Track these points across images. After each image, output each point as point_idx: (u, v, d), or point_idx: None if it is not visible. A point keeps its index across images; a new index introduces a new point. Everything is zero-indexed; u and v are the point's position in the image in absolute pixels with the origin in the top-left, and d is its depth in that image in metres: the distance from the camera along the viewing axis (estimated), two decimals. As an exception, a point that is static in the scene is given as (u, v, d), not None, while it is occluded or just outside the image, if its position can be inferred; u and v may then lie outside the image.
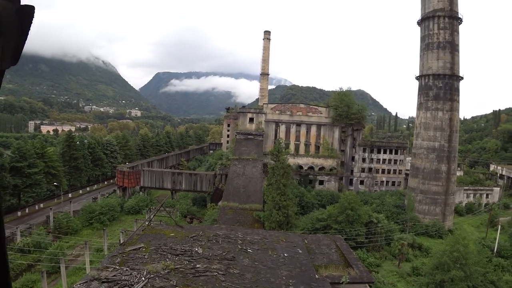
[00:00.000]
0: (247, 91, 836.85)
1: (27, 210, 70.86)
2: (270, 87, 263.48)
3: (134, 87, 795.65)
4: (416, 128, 78.25)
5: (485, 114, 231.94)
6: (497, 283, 40.88)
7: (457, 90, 72.16)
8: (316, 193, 76.57)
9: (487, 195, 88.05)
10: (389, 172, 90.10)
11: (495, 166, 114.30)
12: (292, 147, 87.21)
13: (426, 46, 73.23)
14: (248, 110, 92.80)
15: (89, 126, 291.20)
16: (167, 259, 15.82)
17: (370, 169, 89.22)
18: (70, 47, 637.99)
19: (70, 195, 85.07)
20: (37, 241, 50.97)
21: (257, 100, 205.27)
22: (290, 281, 14.71)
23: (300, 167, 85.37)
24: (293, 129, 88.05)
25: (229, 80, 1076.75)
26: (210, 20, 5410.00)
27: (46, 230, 57.24)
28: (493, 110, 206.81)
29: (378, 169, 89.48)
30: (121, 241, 37.12)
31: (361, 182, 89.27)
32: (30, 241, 51.21)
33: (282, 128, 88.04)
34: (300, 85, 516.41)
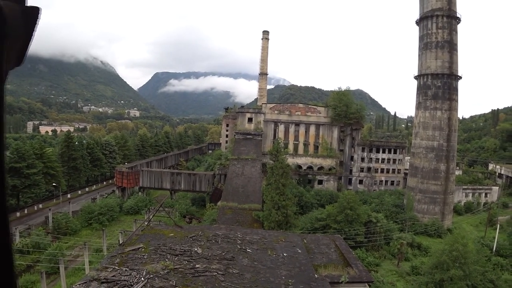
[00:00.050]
0: (246, 91, 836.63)
1: (26, 211, 70.69)
2: (269, 87, 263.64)
3: (132, 87, 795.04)
4: (415, 128, 78.33)
5: (484, 114, 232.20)
6: (496, 282, 40.92)
7: (455, 89, 72.27)
8: (315, 192, 76.59)
9: (485, 194, 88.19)
10: (388, 171, 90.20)
11: (494, 165, 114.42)
12: (291, 147, 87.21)
13: (425, 45, 73.32)
14: (247, 110, 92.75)
15: (87, 127, 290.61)
16: (167, 259, 15.82)
17: (369, 169, 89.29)
18: (69, 47, 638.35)
19: (69, 195, 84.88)
20: (36, 242, 50.90)
21: (256, 100, 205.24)
22: (290, 280, 14.72)
23: (299, 166, 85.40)
24: (292, 128, 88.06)
25: (228, 80, 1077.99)
26: (209, 20, 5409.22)
27: (45, 231, 57.19)
28: (492, 110, 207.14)
29: (377, 169, 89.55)
30: (120, 242, 37.12)
31: (360, 182, 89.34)
32: (29, 241, 51.14)
33: (281, 128, 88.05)
34: (298, 85, 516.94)
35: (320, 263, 19.14)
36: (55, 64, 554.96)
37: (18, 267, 46.20)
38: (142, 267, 14.77)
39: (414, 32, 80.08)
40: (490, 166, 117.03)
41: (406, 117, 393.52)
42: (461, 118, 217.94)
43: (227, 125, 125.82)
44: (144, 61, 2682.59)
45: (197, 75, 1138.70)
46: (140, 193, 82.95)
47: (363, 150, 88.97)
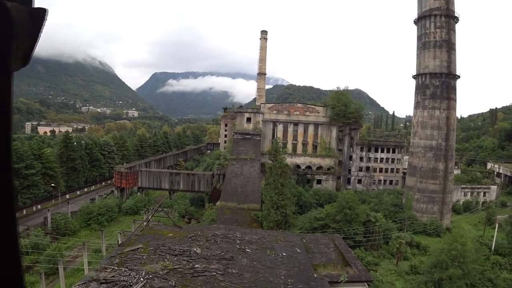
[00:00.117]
0: (244, 90, 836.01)
1: (24, 212, 70.51)
2: (267, 86, 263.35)
3: (131, 87, 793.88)
4: (413, 127, 78.43)
5: (482, 113, 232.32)
6: (494, 281, 40.99)
7: (454, 88, 72.37)
8: (314, 192, 76.68)
9: (484, 193, 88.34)
10: (386, 171, 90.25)
11: (492, 164, 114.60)
12: (289, 146, 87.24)
13: (423, 45, 73.43)
14: (246, 110, 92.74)
15: (86, 127, 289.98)
16: (166, 260, 15.82)
17: (367, 168, 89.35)
18: (67, 48, 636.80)
19: (67, 196, 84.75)
20: (35, 243, 50.78)
21: (255, 99, 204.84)
22: (289, 280, 14.73)
23: (298, 166, 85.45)
24: (290, 128, 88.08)
25: (226, 80, 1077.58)
26: (207, 20, 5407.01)
27: (44, 231, 57.07)
28: (490, 109, 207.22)
29: (376, 168, 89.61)
30: (119, 242, 37.11)
31: (359, 181, 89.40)
32: (28, 242, 50.98)
33: (280, 127, 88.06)
34: (297, 85, 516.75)
35: (319, 263, 19.16)
36: (53, 64, 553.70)
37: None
38: (141, 267, 14.77)
39: (413, 31, 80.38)
40: (489, 165, 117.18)
41: (404, 116, 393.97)
42: (459, 117, 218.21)
43: (226, 125, 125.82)
44: (143, 61, 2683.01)
45: (195, 75, 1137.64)
46: (139, 193, 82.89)
47: (361, 149, 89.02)
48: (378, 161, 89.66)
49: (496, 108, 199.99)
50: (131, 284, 13.08)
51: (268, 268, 15.98)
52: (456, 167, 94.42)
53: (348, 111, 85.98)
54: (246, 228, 29.30)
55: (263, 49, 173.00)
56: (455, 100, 72.80)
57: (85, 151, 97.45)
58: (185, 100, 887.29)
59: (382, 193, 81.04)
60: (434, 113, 71.81)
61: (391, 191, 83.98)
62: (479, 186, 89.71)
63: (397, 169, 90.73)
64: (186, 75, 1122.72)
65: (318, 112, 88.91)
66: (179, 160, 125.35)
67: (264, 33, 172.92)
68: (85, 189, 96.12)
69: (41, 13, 1.50)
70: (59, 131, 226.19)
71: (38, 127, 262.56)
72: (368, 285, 18.80)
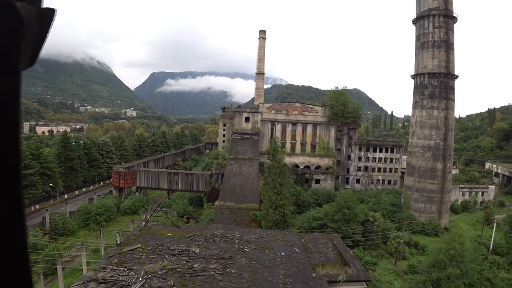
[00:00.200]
0: (243, 90, 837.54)
1: (22, 212, 70.29)
2: (265, 86, 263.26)
3: (129, 87, 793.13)
4: (411, 127, 78.53)
5: (480, 113, 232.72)
6: (493, 280, 41.06)
7: (452, 88, 72.48)
8: (313, 192, 76.73)
9: (482, 193, 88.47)
10: (385, 170, 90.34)
11: (490, 164, 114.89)
12: (288, 146, 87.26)
13: (421, 45, 73.52)
14: (244, 110, 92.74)
15: (84, 127, 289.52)
16: (165, 259, 15.82)
17: (366, 168, 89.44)
18: (65, 48, 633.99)
19: (66, 196, 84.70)
20: (33, 243, 50.63)
21: (253, 99, 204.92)
22: (288, 280, 14.74)
23: (296, 166, 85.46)
24: (289, 128, 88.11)
25: (225, 79, 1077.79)
26: (205, 19, 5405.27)
27: (42, 231, 56.99)
28: (488, 109, 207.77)
29: (374, 168, 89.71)
30: (118, 242, 37.05)
31: (357, 181, 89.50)
32: (26, 242, 50.83)
33: (278, 127, 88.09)
34: (295, 84, 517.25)
35: (318, 262, 19.17)
36: (51, 64, 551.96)
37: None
38: (140, 267, 14.76)
39: (411, 31, 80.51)
40: (487, 165, 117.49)
41: (403, 116, 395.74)
42: (457, 117, 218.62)
43: (224, 125, 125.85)
44: (141, 61, 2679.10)
45: (194, 74, 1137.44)
46: (137, 193, 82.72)
47: (360, 149, 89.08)
48: (377, 160, 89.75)
49: (494, 108, 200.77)
50: (130, 284, 13.07)
51: (267, 267, 15.99)
52: (454, 167, 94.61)
53: (346, 110, 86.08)
54: (244, 228, 29.30)
55: (261, 48, 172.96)
56: (453, 100, 72.92)
57: (83, 151, 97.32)
58: (184, 100, 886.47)
59: (380, 193, 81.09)
60: (432, 113, 71.92)
61: (389, 190, 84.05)
62: (477, 186, 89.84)
63: (395, 168, 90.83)
64: (184, 75, 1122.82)
65: (317, 112, 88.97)
66: (177, 159, 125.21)
67: (262, 32, 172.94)
68: (84, 189, 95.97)
69: (49, 13, 1.50)
70: (57, 131, 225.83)
71: (36, 127, 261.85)
72: (367, 284, 18.81)
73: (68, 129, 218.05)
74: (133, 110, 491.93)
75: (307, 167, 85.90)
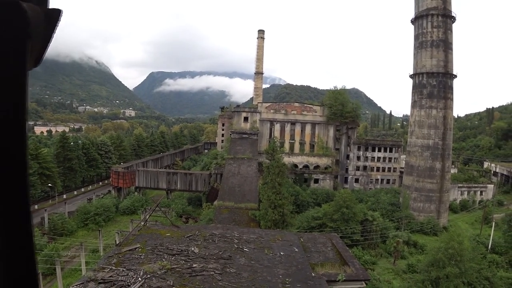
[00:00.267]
0: (242, 90, 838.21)
1: (21, 212, 70.21)
2: (264, 86, 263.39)
3: (128, 87, 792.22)
4: (410, 126, 78.65)
5: (479, 112, 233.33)
6: (491, 279, 41.22)
7: (450, 88, 72.60)
8: (311, 191, 76.76)
9: (481, 192, 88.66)
10: (383, 170, 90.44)
11: (489, 164, 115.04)
12: (287, 146, 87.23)
13: (420, 44, 73.61)
14: (243, 109, 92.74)
15: (83, 127, 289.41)
16: (164, 259, 15.80)
17: (365, 167, 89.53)
18: (64, 47, 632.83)
19: (64, 196, 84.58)
20: (32, 243, 50.52)
21: (252, 99, 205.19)
22: (287, 279, 14.74)
23: (295, 165, 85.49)
24: (287, 128, 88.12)
25: (224, 79, 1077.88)
26: (204, 19, 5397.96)
27: (41, 232, 56.95)
28: (487, 108, 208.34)
29: (373, 167, 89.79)
30: (117, 242, 37.01)
31: (356, 180, 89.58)
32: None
33: (277, 127, 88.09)
34: (294, 84, 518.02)
35: (317, 262, 19.17)
36: (50, 64, 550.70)
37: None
38: (139, 267, 14.74)
39: (410, 31, 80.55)
40: (485, 164, 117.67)
41: (401, 115, 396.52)
42: (456, 116, 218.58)
43: (223, 125, 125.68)
44: (140, 61, 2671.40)
45: (192, 74, 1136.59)
46: (136, 193, 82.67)
47: (359, 148, 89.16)
48: (375, 160, 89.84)
49: (492, 107, 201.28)
50: (129, 284, 13.06)
51: (266, 267, 15.98)
52: (453, 166, 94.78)
53: (345, 110, 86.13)
54: (243, 228, 29.28)
55: (260, 48, 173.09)
56: (452, 100, 73.04)
57: (82, 151, 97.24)
58: (182, 99, 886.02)
59: (379, 192, 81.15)
60: (431, 112, 72.02)
61: (388, 190, 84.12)
62: (476, 185, 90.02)
63: (394, 168, 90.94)
64: (183, 75, 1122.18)
65: (316, 112, 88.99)
66: (176, 159, 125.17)
67: (261, 32, 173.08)
68: (82, 189, 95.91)
69: (56, 14, 1.51)
70: (56, 131, 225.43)
71: (35, 127, 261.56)
72: (366, 283, 18.83)
73: (67, 129, 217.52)
74: (132, 110, 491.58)
75: (306, 166, 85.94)
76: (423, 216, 70.35)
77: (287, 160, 78.55)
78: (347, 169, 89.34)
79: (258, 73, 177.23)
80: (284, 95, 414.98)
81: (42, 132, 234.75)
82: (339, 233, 45.18)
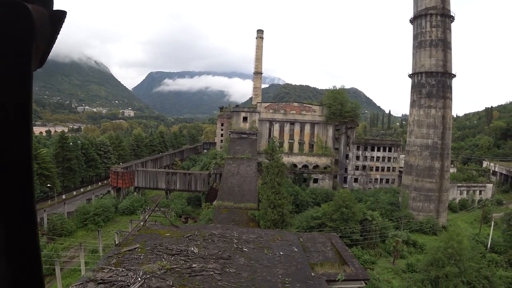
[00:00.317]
0: (241, 90, 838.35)
1: (20, 212, 70.09)
2: (263, 86, 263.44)
3: (127, 87, 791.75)
4: (409, 126, 78.69)
5: (478, 112, 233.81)
6: (491, 278, 41.22)
7: (449, 87, 72.63)
8: (311, 191, 76.76)
9: (480, 191, 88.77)
10: (383, 169, 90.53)
11: (488, 163, 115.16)
12: (286, 145, 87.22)
13: (419, 44, 73.62)
14: (242, 109, 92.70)
15: (82, 127, 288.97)
16: (163, 259, 15.79)
17: (364, 167, 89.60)
18: (63, 47, 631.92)
19: (63, 196, 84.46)
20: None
21: (251, 99, 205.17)
22: (286, 279, 14.74)
23: (294, 165, 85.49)
24: (287, 127, 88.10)
25: (223, 79, 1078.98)
26: (203, 19, 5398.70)
27: (40, 232, 56.71)
28: (486, 107, 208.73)
29: (372, 167, 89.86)
30: (116, 242, 36.97)
31: (355, 180, 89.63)
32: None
33: (276, 126, 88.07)
34: (293, 84, 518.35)
35: (316, 262, 19.17)
36: (48, 64, 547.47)
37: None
38: (139, 267, 14.73)
39: (409, 30, 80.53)
40: (484, 164, 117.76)
41: (400, 115, 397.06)
42: (455, 116, 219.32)
43: (222, 125, 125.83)
44: (138, 61, 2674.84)
45: (191, 74, 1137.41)
46: (135, 193, 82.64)
47: (358, 148, 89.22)
48: (375, 160, 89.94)
49: (491, 107, 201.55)
50: (129, 284, 13.04)
51: (266, 267, 15.98)
52: (452, 165, 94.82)
53: (344, 110, 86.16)
54: (243, 227, 29.27)
55: (259, 48, 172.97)
56: (451, 99, 73.07)
57: (81, 151, 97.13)
58: (181, 99, 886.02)
59: (378, 192, 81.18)
60: (430, 112, 72.04)
61: (387, 189, 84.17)
62: (475, 185, 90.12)
63: (393, 167, 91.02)
64: (182, 75, 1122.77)
65: (315, 111, 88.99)
66: (175, 159, 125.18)
67: (260, 32, 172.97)
68: (81, 189, 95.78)
69: (60, 15, 1.52)
70: (55, 131, 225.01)
71: (34, 127, 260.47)
72: (365, 283, 18.84)
73: (66, 129, 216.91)
74: (131, 110, 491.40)
75: (305, 166, 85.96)
76: (423, 216, 70.38)
77: (286, 160, 78.53)
78: (346, 169, 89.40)
79: (257, 73, 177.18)
80: (283, 95, 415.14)
81: (41, 133, 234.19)
82: (339, 232, 45.19)
